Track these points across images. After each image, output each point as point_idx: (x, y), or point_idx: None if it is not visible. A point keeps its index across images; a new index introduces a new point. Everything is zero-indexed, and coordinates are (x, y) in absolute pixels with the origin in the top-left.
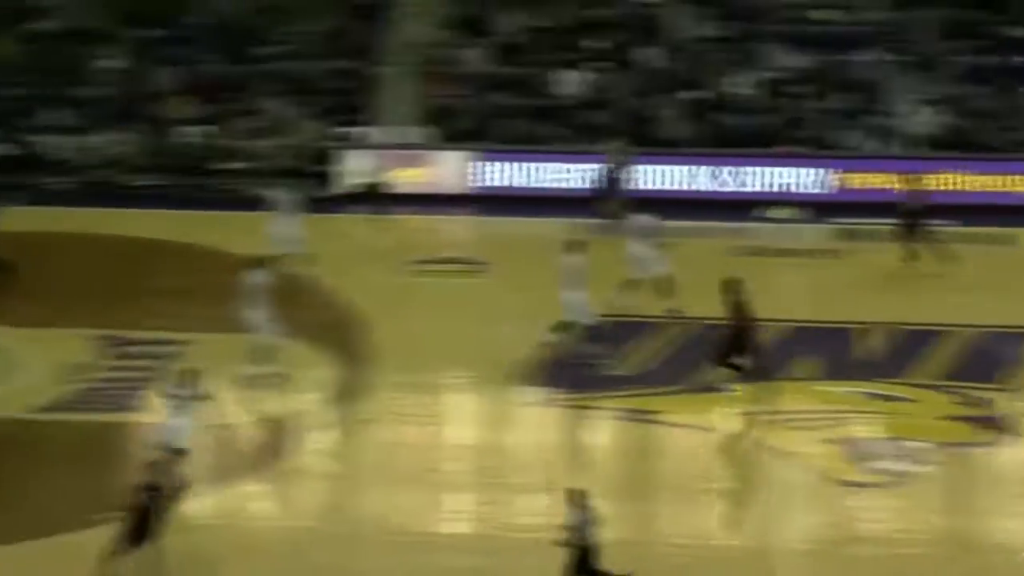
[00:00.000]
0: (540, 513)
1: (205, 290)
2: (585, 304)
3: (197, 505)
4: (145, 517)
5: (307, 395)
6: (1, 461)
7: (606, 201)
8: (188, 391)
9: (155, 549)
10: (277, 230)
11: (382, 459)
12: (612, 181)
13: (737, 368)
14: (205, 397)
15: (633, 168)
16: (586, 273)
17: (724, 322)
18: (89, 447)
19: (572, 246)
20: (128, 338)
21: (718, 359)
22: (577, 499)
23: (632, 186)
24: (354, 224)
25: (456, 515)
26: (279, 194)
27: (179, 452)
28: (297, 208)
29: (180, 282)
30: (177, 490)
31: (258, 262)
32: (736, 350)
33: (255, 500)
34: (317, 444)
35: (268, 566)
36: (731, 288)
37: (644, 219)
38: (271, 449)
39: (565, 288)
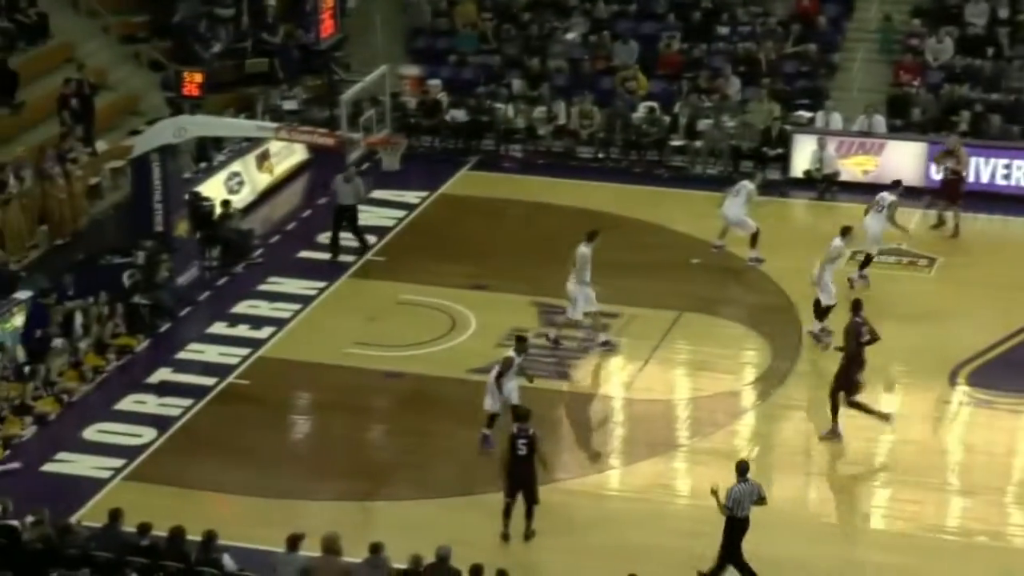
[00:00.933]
0: (962, 516)
1: (641, 265)
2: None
3: (608, 477)
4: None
5: (734, 376)
6: (436, 419)
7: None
8: (520, 356)
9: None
10: (729, 211)
11: (803, 446)
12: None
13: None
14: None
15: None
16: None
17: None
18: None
19: (844, 232)
20: (561, 307)
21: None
22: (741, 470)
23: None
24: (801, 209)
25: (875, 510)
26: (734, 176)
27: (518, 409)
28: (748, 190)
29: (618, 256)
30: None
31: (592, 235)
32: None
33: (670, 477)
34: (739, 426)
35: (672, 543)
36: (855, 309)
37: (884, 194)
38: (693, 427)
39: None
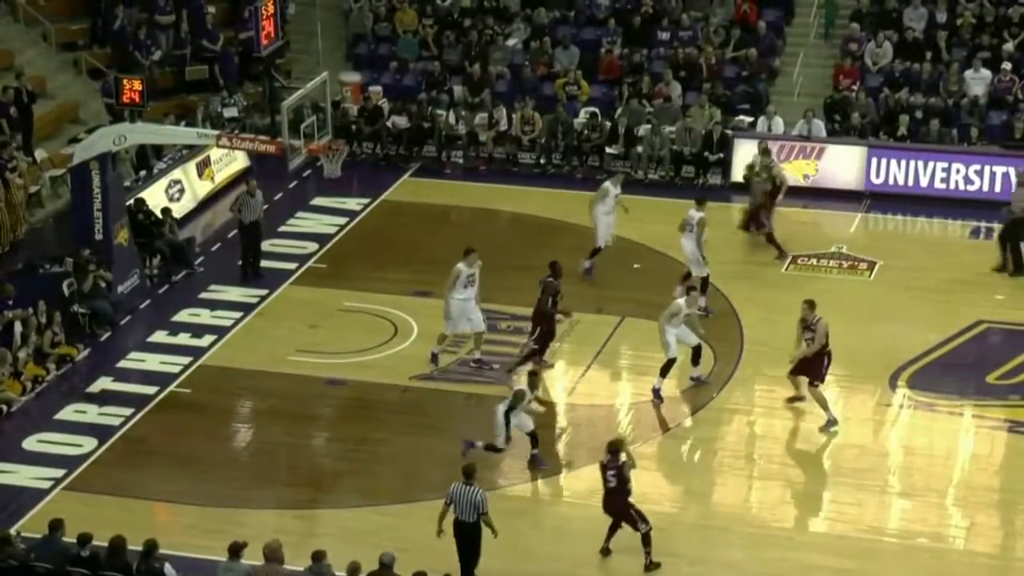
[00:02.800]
0: (903, 518)
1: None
2: None
3: (551, 482)
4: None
5: (675, 381)
6: (378, 426)
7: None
8: (534, 392)
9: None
10: (593, 210)
11: (745, 451)
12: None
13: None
14: None
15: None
16: None
17: None
18: (454, 418)
19: (689, 290)
20: (504, 312)
21: None
22: (466, 473)
23: None
24: (742, 213)
25: (815, 513)
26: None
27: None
28: (603, 188)
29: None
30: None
31: (467, 252)
32: None
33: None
34: (681, 431)
35: (614, 545)
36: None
37: (691, 212)
38: (635, 432)
39: None
